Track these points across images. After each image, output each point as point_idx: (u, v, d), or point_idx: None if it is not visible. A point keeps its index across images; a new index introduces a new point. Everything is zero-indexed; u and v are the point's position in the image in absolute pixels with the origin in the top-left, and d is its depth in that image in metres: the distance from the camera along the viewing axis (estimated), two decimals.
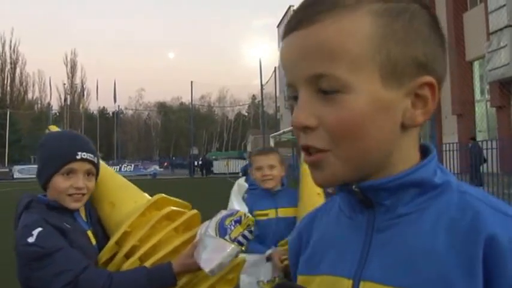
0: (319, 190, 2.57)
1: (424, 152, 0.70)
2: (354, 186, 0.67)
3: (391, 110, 0.64)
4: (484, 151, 10.38)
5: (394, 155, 0.66)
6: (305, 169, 2.59)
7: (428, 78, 0.64)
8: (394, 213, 0.67)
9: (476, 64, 17.02)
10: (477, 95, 17.18)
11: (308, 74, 0.64)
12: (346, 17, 0.62)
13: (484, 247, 0.60)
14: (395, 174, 0.66)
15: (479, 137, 15.62)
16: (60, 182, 1.65)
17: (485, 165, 10.28)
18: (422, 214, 0.65)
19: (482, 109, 16.68)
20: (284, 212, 2.76)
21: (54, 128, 1.98)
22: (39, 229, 1.56)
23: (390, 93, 0.63)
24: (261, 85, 38.58)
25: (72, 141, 1.71)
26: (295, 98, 0.67)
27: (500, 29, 14.00)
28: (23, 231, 1.58)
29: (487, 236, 0.60)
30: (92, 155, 1.70)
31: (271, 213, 2.76)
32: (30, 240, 1.55)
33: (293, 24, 0.65)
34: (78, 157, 1.66)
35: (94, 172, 1.72)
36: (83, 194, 1.68)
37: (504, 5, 13.82)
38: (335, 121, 0.63)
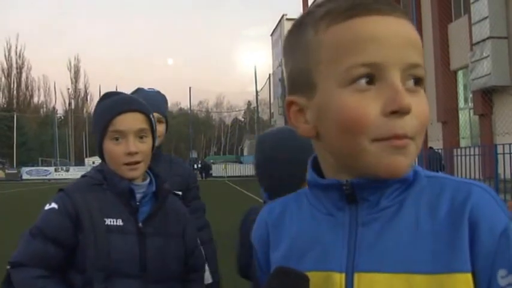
0: None
1: None
2: (345, 181, 0.67)
3: None
4: (467, 157, 10.41)
5: None
6: None
7: None
8: (377, 207, 0.68)
9: (460, 73, 17.06)
10: (461, 103, 17.21)
11: (409, 62, 0.63)
12: (410, 23, 0.66)
13: (470, 214, 0.63)
14: None
15: (462, 143, 15.68)
16: (111, 147, 1.42)
17: (467, 171, 10.30)
18: (402, 204, 0.67)
19: (466, 116, 16.72)
20: None
21: None
22: (55, 206, 1.40)
23: None
24: (256, 92, 38.62)
25: (116, 100, 1.46)
26: (370, 79, 0.63)
27: (483, 40, 14.05)
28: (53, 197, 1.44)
29: (472, 205, 0.64)
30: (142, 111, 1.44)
31: None
32: (46, 207, 1.42)
33: (380, 6, 0.64)
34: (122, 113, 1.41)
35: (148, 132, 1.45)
36: (137, 162, 1.42)
37: (487, 17, 13.87)
38: (424, 110, 0.65)
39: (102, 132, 1.42)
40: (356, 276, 0.66)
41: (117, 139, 1.41)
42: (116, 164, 1.42)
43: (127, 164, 1.41)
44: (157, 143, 1.62)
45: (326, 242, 0.69)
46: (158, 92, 2.13)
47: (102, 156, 1.47)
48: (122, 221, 1.39)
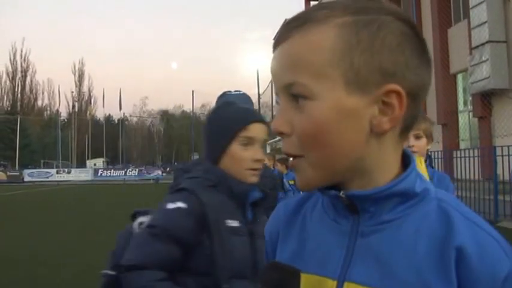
0: None
1: (404, 158, 0.69)
2: (341, 193, 0.67)
3: (355, 117, 0.63)
4: (467, 159, 10.42)
5: (367, 161, 0.65)
6: None
7: (392, 86, 0.62)
8: (378, 220, 0.66)
9: (459, 77, 17.08)
10: (460, 106, 17.22)
11: (283, 83, 0.66)
12: (312, 31, 0.64)
13: (456, 257, 0.61)
14: (383, 185, 0.66)
15: (462, 145, 15.68)
16: (238, 151, 1.45)
17: (467, 172, 10.32)
18: (404, 221, 0.65)
19: (465, 119, 16.72)
20: None
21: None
22: (182, 205, 1.38)
23: (354, 101, 0.63)
24: (258, 95, 38.60)
25: (247, 110, 1.54)
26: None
27: (482, 44, 14.08)
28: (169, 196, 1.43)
29: (456, 245, 0.61)
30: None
31: None
32: (169, 206, 1.39)
33: (276, 41, 0.68)
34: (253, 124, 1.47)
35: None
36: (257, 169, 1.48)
37: (486, 22, 13.92)
38: (302, 127, 0.64)
39: (231, 136, 1.45)
40: (346, 285, 0.66)
41: (245, 145, 1.46)
42: (240, 167, 1.46)
43: (252, 170, 1.46)
44: None
45: (328, 247, 0.69)
46: (245, 94, 2.07)
47: (216, 159, 1.47)
48: (238, 222, 1.44)
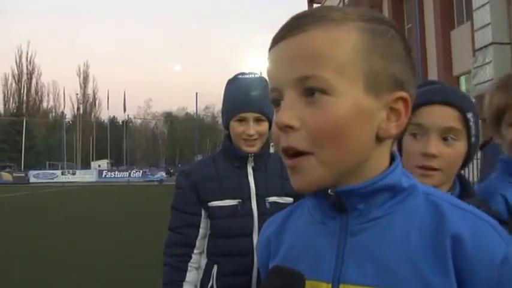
0: None
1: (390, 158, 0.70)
2: (329, 191, 0.66)
3: (370, 118, 0.64)
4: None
5: (368, 163, 0.66)
6: None
7: (404, 94, 0.65)
8: (367, 217, 0.66)
9: (462, 79, 17.03)
10: None
11: (295, 76, 0.63)
12: (333, 28, 0.63)
13: (451, 246, 0.61)
14: (368, 180, 0.65)
15: None
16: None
17: (470, 173, 10.26)
18: (393, 217, 0.65)
19: None
20: None
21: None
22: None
23: (370, 103, 0.63)
24: None
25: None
26: (278, 103, 0.67)
27: (485, 46, 14.04)
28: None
29: (451, 234, 0.61)
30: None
31: None
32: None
33: (282, 33, 0.66)
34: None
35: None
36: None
37: (489, 24, 13.87)
38: (317, 123, 0.62)
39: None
40: (341, 287, 0.65)
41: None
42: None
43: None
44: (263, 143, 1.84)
45: (318, 250, 0.69)
46: (252, 79, 1.91)
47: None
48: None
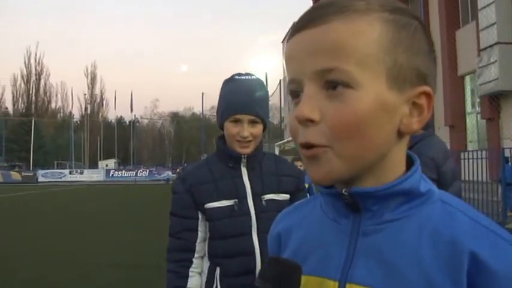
0: None
1: (407, 160, 0.68)
2: (343, 191, 0.65)
3: (392, 113, 0.62)
4: (475, 161, 10.33)
5: (387, 159, 0.64)
6: None
7: (427, 88, 0.63)
8: (380, 219, 0.65)
9: (467, 78, 16.94)
10: (468, 108, 17.07)
11: (316, 69, 0.61)
12: (356, 19, 0.61)
13: (468, 263, 0.59)
14: (386, 183, 0.64)
15: (470, 147, 15.55)
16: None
17: (474, 174, 10.22)
18: (407, 221, 0.63)
19: (473, 121, 16.59)
20: None
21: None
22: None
23: (393, 97, 0.61)
24: None
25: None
26: (296, 95, 0.64)
27: (491, 46, 13.94)
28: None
29: (470, 252, 0.59)
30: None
31: None
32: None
33: (303, 23, 0.63)
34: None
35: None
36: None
37: (494, 23, 13.78)
38: (339, 116, 0.60)
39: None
40: (348, 287, 0.64)
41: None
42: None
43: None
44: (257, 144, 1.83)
45: (328, 248, 0.68)
46: (248, 80, 1.91)
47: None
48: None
